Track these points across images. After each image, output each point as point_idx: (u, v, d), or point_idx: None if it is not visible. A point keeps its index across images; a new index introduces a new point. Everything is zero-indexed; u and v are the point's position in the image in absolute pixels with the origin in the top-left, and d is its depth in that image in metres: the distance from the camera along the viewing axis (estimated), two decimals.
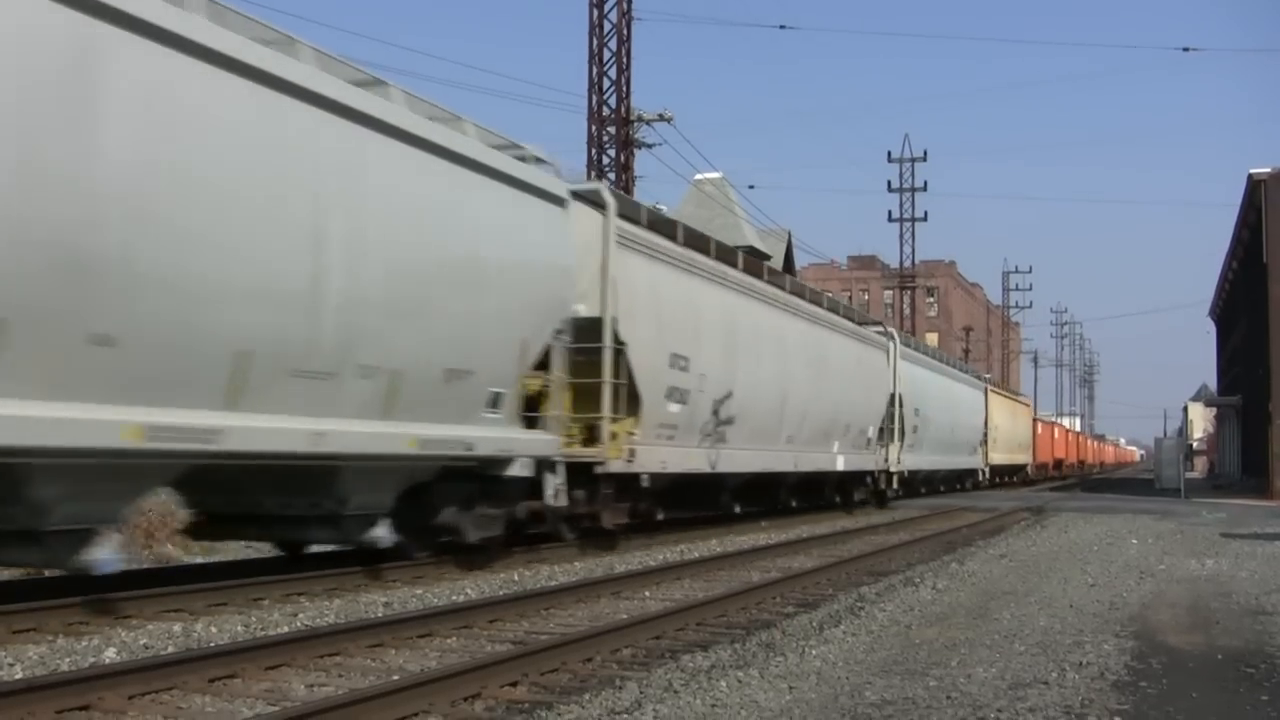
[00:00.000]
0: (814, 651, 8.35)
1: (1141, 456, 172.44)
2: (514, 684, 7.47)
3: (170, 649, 8.35)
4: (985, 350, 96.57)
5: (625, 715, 6.42)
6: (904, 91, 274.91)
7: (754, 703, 6.74)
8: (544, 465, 13.89)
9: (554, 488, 14.11)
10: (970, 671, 7.73)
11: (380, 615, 9.98)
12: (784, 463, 22.33)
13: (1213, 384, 76.54)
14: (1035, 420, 63.28)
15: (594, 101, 27.89)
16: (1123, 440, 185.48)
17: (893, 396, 29.54)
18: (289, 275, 9.68)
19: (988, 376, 53.58)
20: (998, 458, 48.41)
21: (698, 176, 49.79)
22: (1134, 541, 19.29)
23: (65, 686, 6.73)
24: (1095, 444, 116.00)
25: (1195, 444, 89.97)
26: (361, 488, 11.33)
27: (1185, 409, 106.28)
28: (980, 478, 45.48)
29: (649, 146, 28.86)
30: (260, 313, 9.40)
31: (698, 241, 18.87)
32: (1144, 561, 15.77)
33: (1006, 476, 54.42)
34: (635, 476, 16.17)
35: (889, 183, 56.37)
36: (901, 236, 56.14)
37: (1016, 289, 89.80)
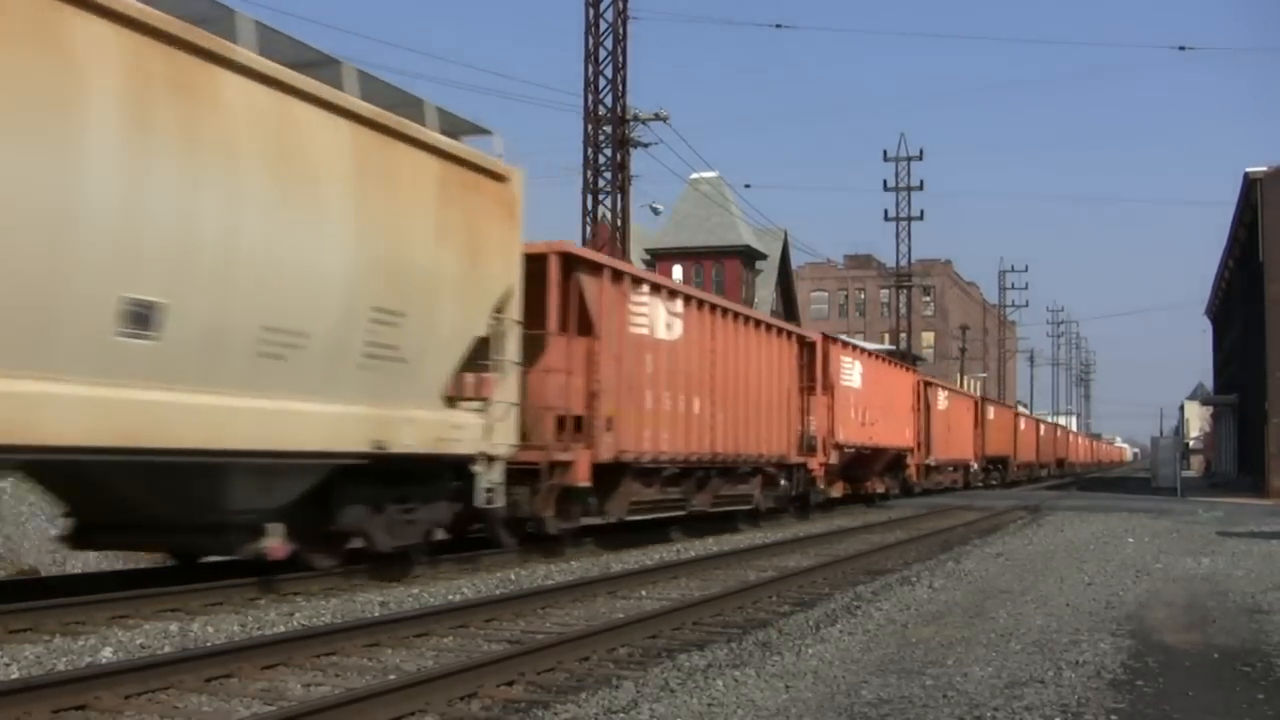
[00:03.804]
0: (810, 651, 8.36)
1: (1135, 455, 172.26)
2: (510, 683, 7.47)
3: (167, 649, 8.35)
4: (982, 349, 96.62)
5: (622, 714, 6.42)
6: (900, 90, 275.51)
7: (750, 702, 6.75)
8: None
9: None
10: (967, 670, 7.74)
11: (377, 615, 9.99)
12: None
13: (1209, 383, 76.56)
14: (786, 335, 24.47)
15: (590, 101, 27.86)
16: (1118, 439, 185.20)
17: None
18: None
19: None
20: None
21: (694, 176, 49.78)
22: (1130, 540, 19.31)
23: (62, 686, 6.73)
24: (1047, 431, 75.64)
25: (1192, 443, 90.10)
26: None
27: (1182, 408, 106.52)
28: None
29: (645, 146, 28.80)
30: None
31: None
32: (1140, 560, 15.78)
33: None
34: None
35: (885, 182, 56.28)
36: (898, 235, 56.06)
37: (1013, 288, 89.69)
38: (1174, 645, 9.02)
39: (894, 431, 31.28)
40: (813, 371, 24.60)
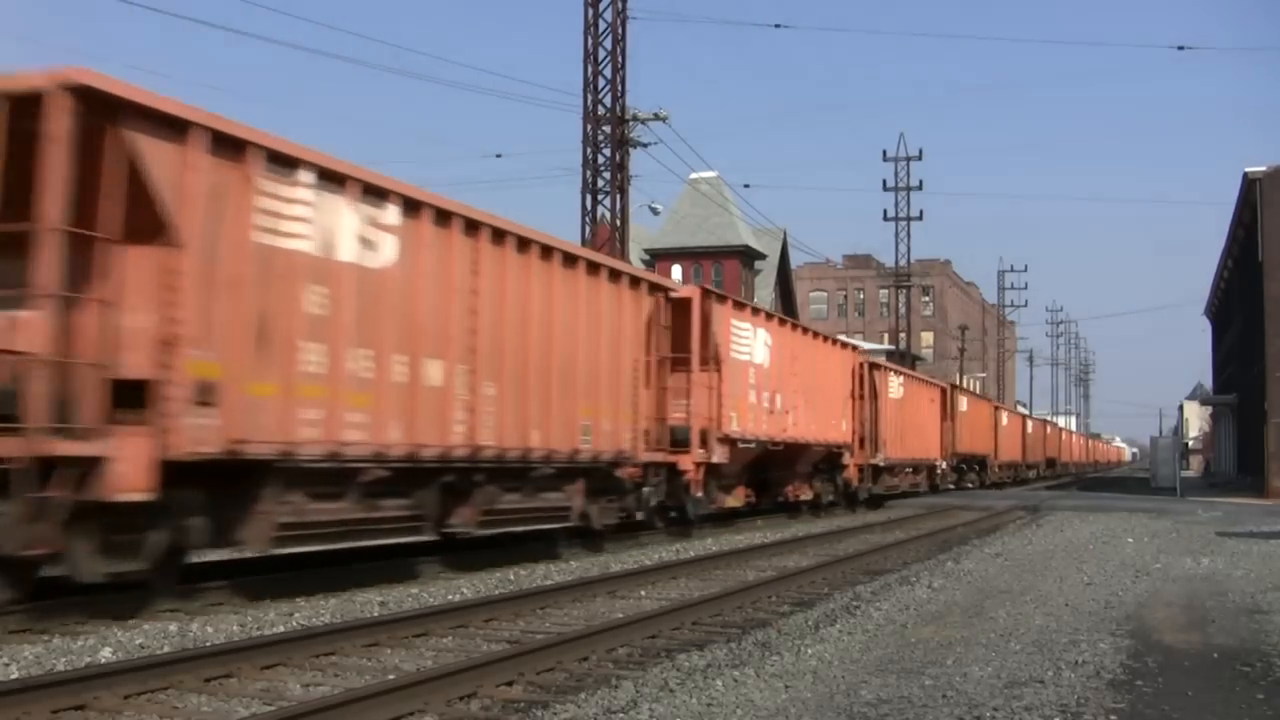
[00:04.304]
0: (810, 650, 8.36)
1: (1134, 455, 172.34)
2: (510, 683, 7.47)
3: (166, 649, 8.35)
4: (981, 349, 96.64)
5: (621, 714, 6.42)
6: (899, 90, 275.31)
7: (750, 702, 6.74)
8: None
9: None
10: (966, 670, 7.74)
11: (376, 615, 9.99)
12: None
13: (1208, 383, 76.63)
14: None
15: (589, 101, 27.86)
16: (1117, 439, 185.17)
17: None
18: None
19: None
20: None
21: (693, 176, 49.86)
22: (1130, 540, 19.31)
23: (61, 686, 6.72)
24: (1035, 428, 67.81)
25: (1191, 443, 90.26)
26: None
27: (1181, 408, 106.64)
28: None
29: (644, 146, 28.81)
30: None
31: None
32: (1140, 560, 15.79)
33: None
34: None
35: (884, 182, 56.30)
36: (897, 236, 56.10)
37: (1012, 288, 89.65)
38: (1173, 645, 9.02)
39: (822, 422, 24.84)
40: (685, 339, 18.27)
